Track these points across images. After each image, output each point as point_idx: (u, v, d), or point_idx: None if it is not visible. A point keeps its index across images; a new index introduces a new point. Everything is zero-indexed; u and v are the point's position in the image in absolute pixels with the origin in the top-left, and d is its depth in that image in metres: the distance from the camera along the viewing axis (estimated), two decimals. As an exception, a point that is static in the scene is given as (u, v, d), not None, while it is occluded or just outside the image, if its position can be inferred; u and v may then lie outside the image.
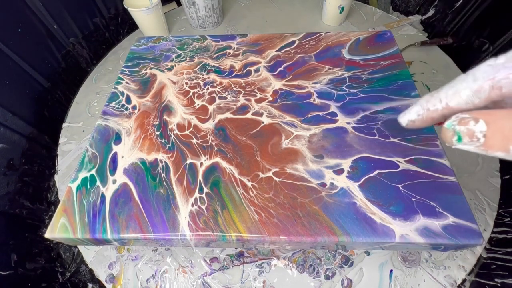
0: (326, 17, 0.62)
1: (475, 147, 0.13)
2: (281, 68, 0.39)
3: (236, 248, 0.37)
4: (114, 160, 0.31)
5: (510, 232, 0.37)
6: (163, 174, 0.30)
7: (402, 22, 0.62)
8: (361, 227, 0.25)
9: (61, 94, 0.56)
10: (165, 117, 0.35)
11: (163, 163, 0.31)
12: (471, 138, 0.13)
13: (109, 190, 0.29)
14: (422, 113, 0.16)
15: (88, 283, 0.42)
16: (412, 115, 0.17)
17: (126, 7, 0.54)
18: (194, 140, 0.32)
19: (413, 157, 0.29)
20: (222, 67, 0.40)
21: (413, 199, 0.26)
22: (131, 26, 0.69)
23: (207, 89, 0.37)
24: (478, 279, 0.35)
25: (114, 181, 0.29)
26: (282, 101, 0.35)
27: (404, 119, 0.18)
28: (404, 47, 0.56)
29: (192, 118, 0.34)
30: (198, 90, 0.37)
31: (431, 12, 0.62)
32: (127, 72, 0.40)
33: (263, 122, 0.33)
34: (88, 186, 0.29)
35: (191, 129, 0.33)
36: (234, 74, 0.39)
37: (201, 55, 0.42)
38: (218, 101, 0.36)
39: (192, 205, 0.27)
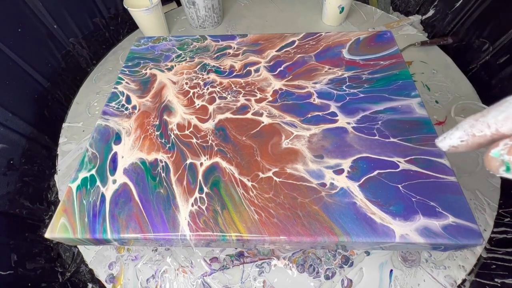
0: (326, 17, 0.62)
1: None
2: (281, 68, 0.39)
3: (236, 248, 0.37)
4: (114, 160, 0.31)
5: (510, 232, 0.37)
6: (163, 174, 0.30)
7: (402, 22, 0.62)
8: (361, 227, 0.25)
9: (61, 94, 0.56)
10: (165, 117, 0.35)
11: (163, 163, 0.30)
12: None
13: (109, 190, 0.29)
14: (467, 139, 0.15)
15: (88, 283, 0.42)
16: (454, 141, 0.16)
17: (126, 7, 0.54)
18: (194, 140, 0.32)
19: (413, 157, 0.29)
20: (222, 67, 0.40)
21: (413, 199, 0.26)
22: (131, 26, 0.69)
23: (207, 89, 0.37)
24: (478, 279, 0.35)
25: (114, 181, 0.29)
26: (282, 101, 0.35)
27: (445, 144, 0.17)
28: (404, 47, 0.56)
29: (192, 118, 0.34)
30: (198, 90, 0.37)
31: (431, 12, 0.62)
32: (127, 72, 0.40)
33: (263, 122, 0.33)
34: (88, 186, 0.29)
35: (191, 129, 0.33)
36: (234, 74, 0.39)
37: (201, 55, 0.42)
38: (218, 101, 0.36)
39: (192, 205, 0.27)
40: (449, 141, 0.16)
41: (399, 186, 0.27)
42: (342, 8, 0.59)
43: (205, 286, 0.35)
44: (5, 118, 0.43)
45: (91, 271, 0.38)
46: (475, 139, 0.15)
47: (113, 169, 0.30)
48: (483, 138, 0.14)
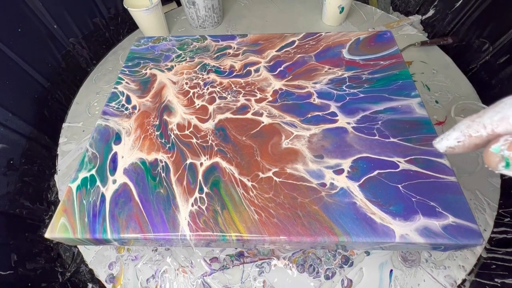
0: (326, 17, 0.62)
1: None
2: (281, 68, 0.39)
3: (236, 248, 0.37)
4: (114, 160, 0.31)
5: (510, 232, 0.37)
6: (163, 174, 0.30)
7: (402, 22, 0.62)
8: (361, 227, 0.25)
9: (61, 94, 0.56)
10: (165, 117, 0.35)
11: (163, 163, 0.30)
12: None
13: (109, 190, 0.29)
14: (463, 140, 0.15)
15: (88, 283, 0.42)
16: (451, 141, 0.16)
17: (126, 7, 0.54)
18: (194, 140, 0.32)
19: (413, 157, 0.29)
20: (222, 67, 0.40)
21: (413, 199, 0.26)
22: (131, 26, 0.69)
23: (207, 89, 0.37)
24: (478, 279, 0.35)
25: (114, 181, 0.29)
26: (282, 101, 0.35)
27: (442, 145, 0.17)
28: (404, 47, 0.56)
29: (192, 118, 0.34)
30: (198, 90, 0.37)
31: (431, 12, 0.62)
32: (127, 72, 0.40)
33: (263, 122, 0.33)
34: (88, 186, 0.29)
35: (191, 129, 0.33)
36: (234, 74, 0.39)
37: (201, 55, 0.42)
38: (218, 101, 0.36)
39: (192, 205, 0.27)
40: (446, 142, 0.17)
41: (399, 186, 0.27)
42: (342, 8, 0.59)
43: (205, 286, 0.35)
44: (5, 118, 0.43)
45: (91, 271, 0.38)
46: (471, 140, 0.15)
47: (113, 169, 0.30)
48: (479, 138, 0.15)
